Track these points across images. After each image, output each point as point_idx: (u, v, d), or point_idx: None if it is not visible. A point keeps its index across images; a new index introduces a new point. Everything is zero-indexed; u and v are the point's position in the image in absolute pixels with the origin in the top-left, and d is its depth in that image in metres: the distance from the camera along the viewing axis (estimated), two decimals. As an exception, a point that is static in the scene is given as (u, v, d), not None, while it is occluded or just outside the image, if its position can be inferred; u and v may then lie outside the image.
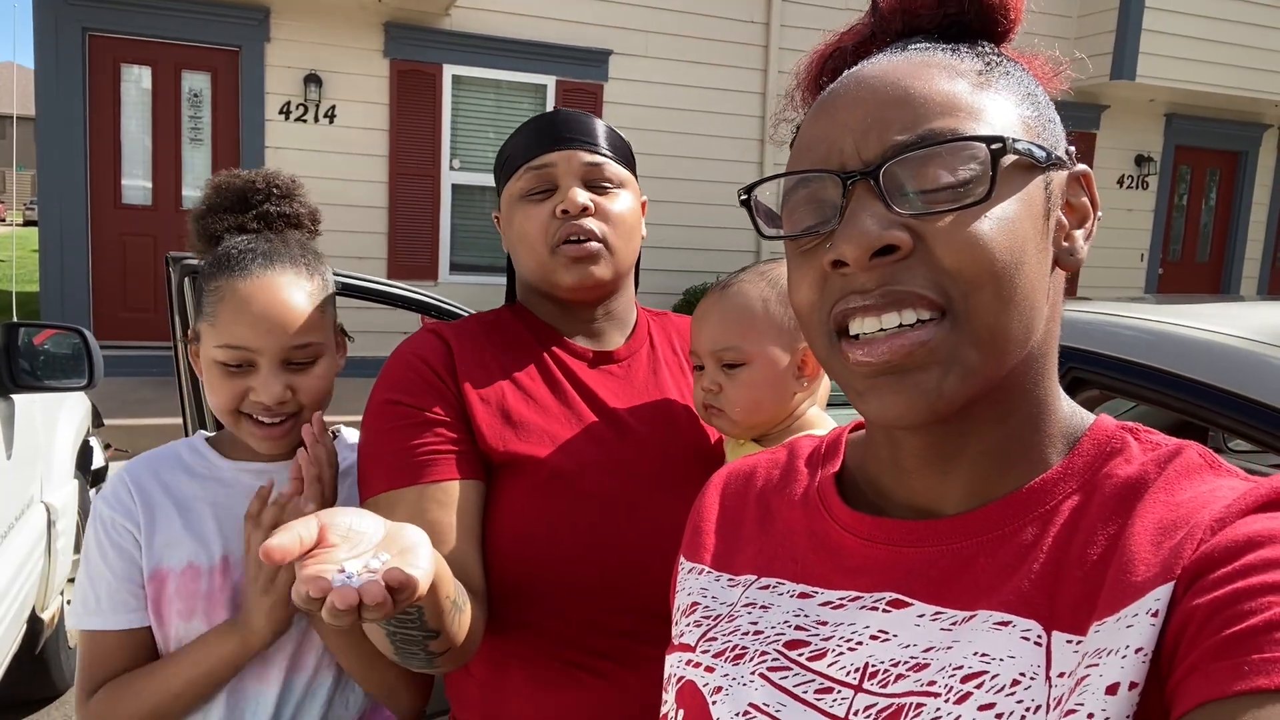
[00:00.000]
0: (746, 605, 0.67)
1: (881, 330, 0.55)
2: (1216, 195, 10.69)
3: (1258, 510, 0.50)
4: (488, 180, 7.83)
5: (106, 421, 4.36)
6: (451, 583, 0.85)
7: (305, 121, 7.26)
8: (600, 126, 1.14)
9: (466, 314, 2.16)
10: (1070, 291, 8.49)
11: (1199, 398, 1.16)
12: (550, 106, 7.87)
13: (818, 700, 0.58)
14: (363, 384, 1.36)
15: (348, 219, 7.33)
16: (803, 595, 0.65)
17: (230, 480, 1.17)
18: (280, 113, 7.20)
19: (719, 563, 0.73)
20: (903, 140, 0.55)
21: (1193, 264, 10.67)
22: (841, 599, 0.62)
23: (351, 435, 1.28)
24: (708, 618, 0.69)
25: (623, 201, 1.12)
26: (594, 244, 1.08)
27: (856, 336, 0.57)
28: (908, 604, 0.59)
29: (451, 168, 7.72)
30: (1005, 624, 0.54)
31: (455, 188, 7.77)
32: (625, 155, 1.16)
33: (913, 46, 0.60)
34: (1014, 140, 0.55)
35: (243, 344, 1.09)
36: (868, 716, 0.55)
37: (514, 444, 1.05)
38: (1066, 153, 0.60)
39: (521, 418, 1.07)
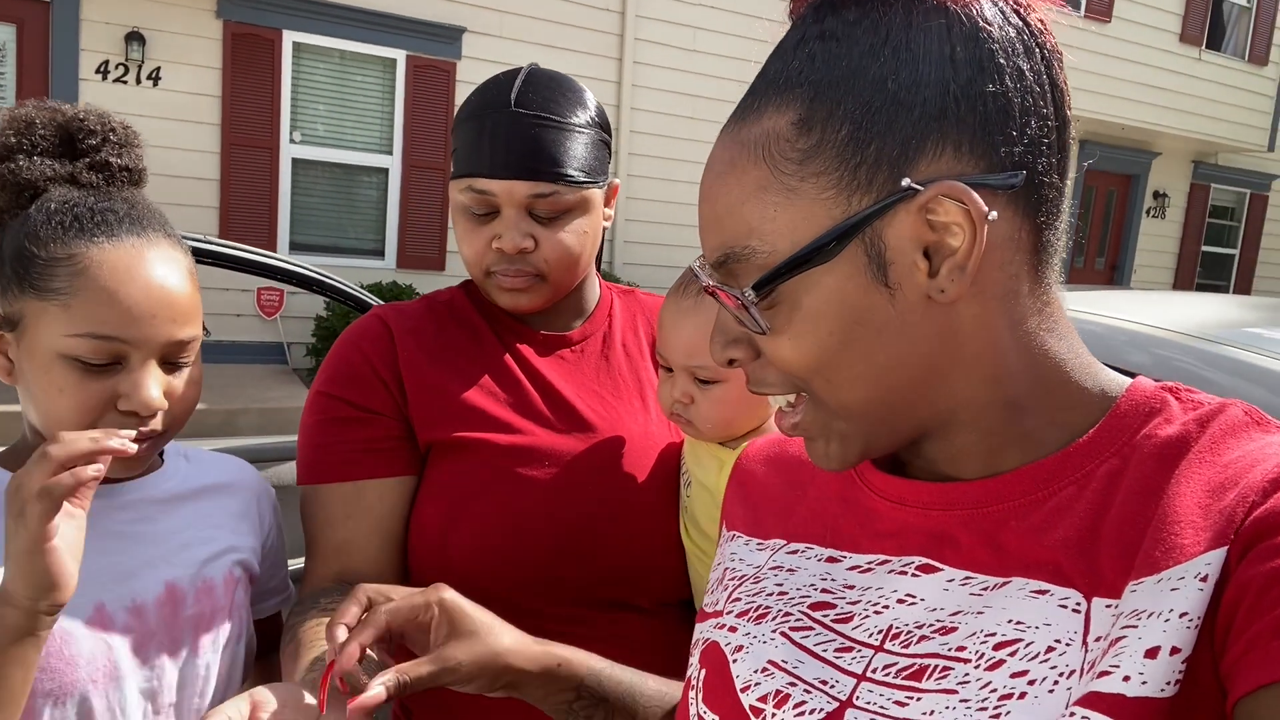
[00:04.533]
0: (773, 568, 0.67)
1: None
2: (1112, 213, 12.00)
3: None
4: (332, 155, 7.45)
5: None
6: None
7: (125, 83, 6.67)
8: (557, 144, 1.01)
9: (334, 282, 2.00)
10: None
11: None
12: (401, 84, 7.56)
13: (837, 658, 0.58)
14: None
15: (174, 190, 6.76)
16: (830, 560, 0.64)
17: None
18: (97, 72, 6.59)
19: (747, 528, 0.73)
20: (712, 263, 0.58)
21: (1093, 271, 11.96)
22: (870, 563, 0.61)
23: (193, 450, 1.07)
24: (733, 579, 0.70)
25: (569, 230, 1.05)
26: (527, 279, 1.05)
27: None
28: (937, 569, 0.58)
29: (292, 140, 7.28)
30: (1043, 592, 0.52)
31: (296, 162, 7.32)
32: (589, 163, 1.04)
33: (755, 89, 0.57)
34: (775, 273, 0.53)
35: (117, 334, 0.85)
36: (887, 674, 0.55)
37: (455, 429, 1.03)
38: (917, 180, 0.51)
39: (466, 402, 1.05)
